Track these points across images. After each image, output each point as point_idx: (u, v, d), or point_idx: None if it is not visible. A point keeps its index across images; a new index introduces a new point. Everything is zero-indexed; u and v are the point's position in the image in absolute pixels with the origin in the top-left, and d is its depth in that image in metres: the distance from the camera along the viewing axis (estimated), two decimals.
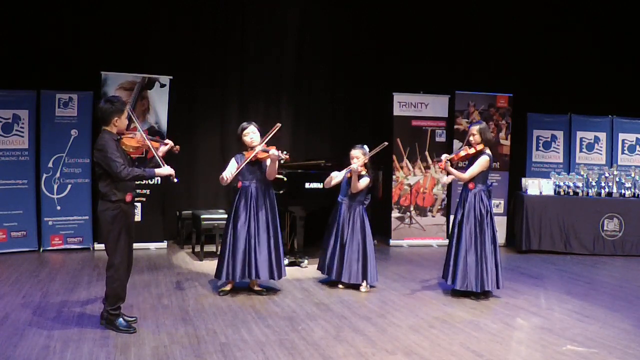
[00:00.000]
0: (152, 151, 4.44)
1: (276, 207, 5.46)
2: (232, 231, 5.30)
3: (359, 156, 5.59)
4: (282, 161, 5.24)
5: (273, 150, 5.13)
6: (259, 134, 5.30)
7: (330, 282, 5.86)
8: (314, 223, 7.16)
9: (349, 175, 5.62)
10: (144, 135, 4.45)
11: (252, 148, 5.26)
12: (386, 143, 5.69)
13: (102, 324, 4.36)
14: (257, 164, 5.30)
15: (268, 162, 5.25)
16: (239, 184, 5.36)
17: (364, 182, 5.62)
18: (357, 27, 8.64)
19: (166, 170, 4.41)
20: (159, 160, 4.45)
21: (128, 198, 4.28)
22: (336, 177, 5.63)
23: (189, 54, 8.00)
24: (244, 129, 5.31)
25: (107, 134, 4.26)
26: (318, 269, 5.93)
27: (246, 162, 5.21)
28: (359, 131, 8.40)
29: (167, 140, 4.68)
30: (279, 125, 5.34)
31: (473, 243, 5.37)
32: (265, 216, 5.34)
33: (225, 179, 5.15)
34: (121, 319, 4.31)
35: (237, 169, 5.22)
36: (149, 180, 7.15)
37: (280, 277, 5.44)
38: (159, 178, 7.18)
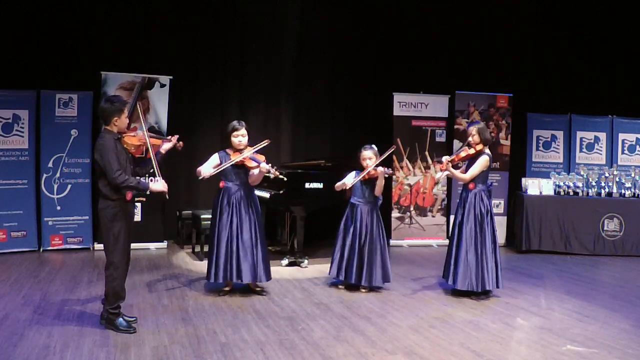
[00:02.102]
0: (151, 153, 4.40)
1: (259, 209, 5.40)
2: (217, 232, 5.25)
3: (372, 157, 5.52)
4: (271, 176, 5.22)
5: (264, 164, 5.10)
6: (247, 137, 5.27)
7: (332, 283, 5.86)
8: (314, 223, 7.16)
9: (367, 177, 5.50)
10: (145, 133, 4.45)
11: (239, 151, 5.22)
12: (395, 146, 5.63)
13: (102, 323, 4.36)
14: (242, 167, 5.24)
15: (255, 171, 5.20)
16: (222, 184, 5.29)
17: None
18: (357, 27, 8.64)
19: (159, 186, 4.37)
20: (156, 168, 4.39)
21: (128, 196, 4.28)
22: (349, 182, 5.52)
23: (189, 54, 8.01)
24: (234, 129, 5.24)
25: (108, 134, 4.26)
26: (330, 274, 5.71)
27: (230, 163, 5.15)
28: (359, 131, 8.40)
29: (170, 137, 4.67)
30: (268, 141, 5.31)
31: (473, 243, 5.37)
32: (249, 218, 5.26)
33: (202, 175, 5.09)
34: (121, 319, 4.31)
35: (219, 168, 5.15)
36: (150, 180, 7.14)
37: (266, 279, 5.35)
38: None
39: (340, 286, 5.73)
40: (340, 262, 5.62)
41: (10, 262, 6.43)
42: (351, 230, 5.60)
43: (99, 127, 7.23)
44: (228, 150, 5.29)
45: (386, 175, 5.40)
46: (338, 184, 5.63)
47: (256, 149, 5.25)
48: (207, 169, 5.17)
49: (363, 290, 5.61)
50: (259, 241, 5.30)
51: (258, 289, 5.46)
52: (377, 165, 5.49)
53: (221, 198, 5.28)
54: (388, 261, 5.66)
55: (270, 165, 5.14)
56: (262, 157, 5.21)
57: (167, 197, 4.49)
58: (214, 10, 8.07)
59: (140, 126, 4.58)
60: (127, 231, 4.31)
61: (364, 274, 5.52)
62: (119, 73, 7.25)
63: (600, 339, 4.43)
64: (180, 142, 4.69)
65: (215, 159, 5.26)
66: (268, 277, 5.39)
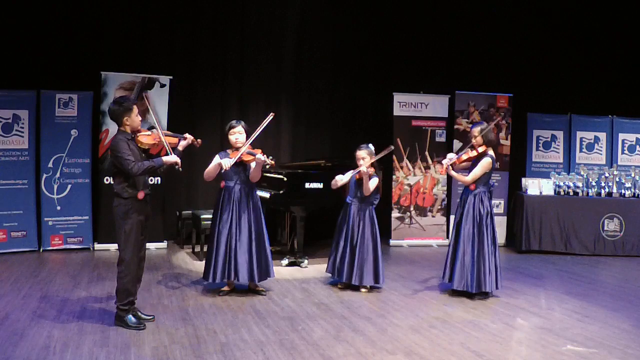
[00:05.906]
0: (167, 148, 4.50)
1: (261, 208, 5.39)
2: (216, 232, 5.25)
3: (365, 157, 5.51)
4: (267, 166, 5.22)
5: (259, 155, 5.07)
6: (244, 135, 5.24)
7: (331, 282, 5.86)
8: (314, 223, 7.16)
9: (357, 176, 5.55)
10: (160, 132, 4.49)
11: (237, 149, 5.22)
12: (392, 147, 5.60)
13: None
14: (241, 165, 5.23)
15: (253, 164, 5.19)
16: (222, 184, 5.30)
17: (374, 182, 5.56)
18: (357, 27, 8.65)
19: (172, 158, 4.45)
20: (168, 150, 4.49)
21: (140, 195, 4.36)
22: (342, 178, 5.54)
23: (189, 54, 8.01)
24: (231, 127, 5.25)
25: (121, 134, 4.35)
26: (327, 271, 5.80)
27: (232, 162, 5.12)
28: (359, 131, 8.41)
29: (186, 135, 4.71)
30: (272, 114, 5.25)
31: (471, 244, 5.37)
32: (248, 217, 5.26)
33: (225, 167, 5.06)
34: (130, 316, 4.37)
35: (228, 165, 5.10)
36: (150, 180, 7.15)
37: (262, 279, 5.34)
38: (160, 178, 7.24)
39: (339, 286, 5.73)
40: (335, 261, 5.69)
41: (10, 262, 6.43)
42: (343, 229, 5.67)
43: (99, 127, 7.29)
44: (228, 150, 5.29)
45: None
46: (333, 181, 5.65)
47: (257, 135, 5.19)
48: (226, 162, 5.10)
49: (363, 290, 5.61)
50: (259, 240, 5.30)
51: (260, 289, 5.45)
52: (372, 165, 5.51)
53: (222, 198, 5.30)
54: (381, 262, 5.63)
55: (265, 155, 5.09)
56: (258, 151, 5.20)
57: (181, 169, 4.51)
58: (214, 10, 8.07)
59: (146, 123, 4.62)
60: (140, 229, 4.39)
61: (355, 273, 5.55)
62: (119, 73, 7.25)
63: (600, 339, 4.43)
64: (199, 140, 4.78)
65: (216, 159, 5.26)
66: (268, 275, 5.38)
